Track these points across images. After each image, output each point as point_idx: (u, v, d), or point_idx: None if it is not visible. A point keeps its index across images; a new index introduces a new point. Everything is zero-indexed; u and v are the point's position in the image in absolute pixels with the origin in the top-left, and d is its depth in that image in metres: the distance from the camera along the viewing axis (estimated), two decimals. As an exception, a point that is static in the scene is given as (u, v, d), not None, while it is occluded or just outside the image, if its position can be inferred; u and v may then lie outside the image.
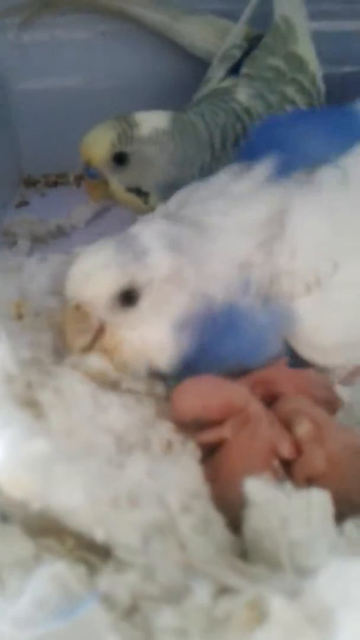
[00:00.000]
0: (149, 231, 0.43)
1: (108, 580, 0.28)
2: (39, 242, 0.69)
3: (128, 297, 0.42)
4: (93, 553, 0.30)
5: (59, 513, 0.29)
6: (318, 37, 0.65)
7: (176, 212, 0.48)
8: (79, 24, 0.75)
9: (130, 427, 0.38)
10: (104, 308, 0.42)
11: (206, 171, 0.57)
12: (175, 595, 0.28)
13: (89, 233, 0.72)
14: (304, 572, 0.29)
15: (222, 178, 0.51)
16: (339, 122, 0.52)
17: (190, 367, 0.43)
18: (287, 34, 0.63)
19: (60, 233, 0.71)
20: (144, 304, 0.42)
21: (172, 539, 0.31)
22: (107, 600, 0.27)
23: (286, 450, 0.38)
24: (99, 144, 0.56)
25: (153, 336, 0.42)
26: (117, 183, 0.58)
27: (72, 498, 0.28)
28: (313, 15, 0.66)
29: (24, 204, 0.78)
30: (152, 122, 0.56)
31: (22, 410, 0.32)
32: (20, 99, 0.79)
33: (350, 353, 0.48)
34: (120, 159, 0.56)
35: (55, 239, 0.70)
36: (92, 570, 0.30)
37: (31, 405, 0.34)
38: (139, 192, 0.58)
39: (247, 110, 0.60)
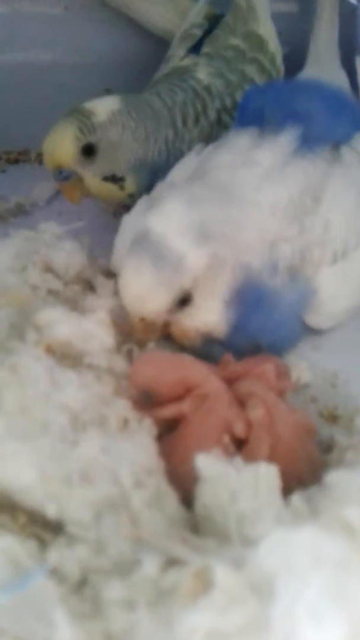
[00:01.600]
0: (172, 228, 0.43)
1: (58, 554, 0.28)
2: (-1, 220, 0.68)
3: (182, 301, 0.44)
4: (45, 529, 0.31)
5: (10, 490, 0.29)
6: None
7: (191, 181, 0.49)
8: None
9: (87, 405, 0.38)
10: (165, 315, 0.44)
11: (171, 149, 0.58)
12: (124, 568, 0.28)
13: (49, 211, 0.70)
14: (249, 543, 0.30)
15: (241, 142, 0.51)
16: (335, 98, 0.55)
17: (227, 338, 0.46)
18: (248, 13, 0.63)
19: (20, 211, 0.70)
20: (197, 298, 0.44)
21: (124, 514, 0.32)
22: (57, 574, 0.28)
23: (240, 430, 0.39)
24: (64, 143, 0.55)
25: (211, 318, 0.45)
26: (91, 176, 0.57)
27: (24, 475, 0.29)
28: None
29: (-17, 180, 0.77)
30: (106, 106, 0.56)
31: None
32: (-19, 73, 0.77)
33: (348, 315, 0.51)
34: (88, 151, 0.55)
35: (15, 217, 0.69)
36: (43, 545, 0.30)
37: (-16, 383, 0.35)
38: (114, 178, 0.57)
39: (207, 89, 0.60)
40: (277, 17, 0.65)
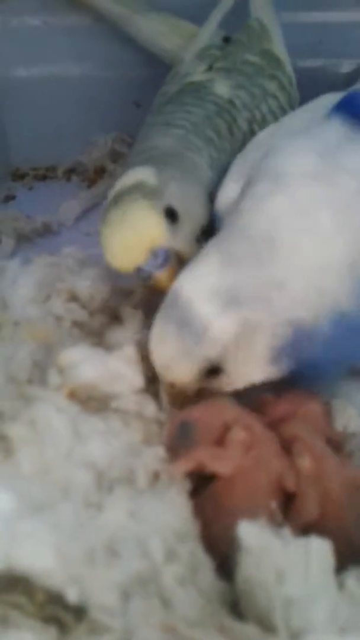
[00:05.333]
0: (200, 292, 0.39)
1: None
2: (24, 240, 0.66)
3: (212, 371, 0.40)
4: (66, 611, 0.27)
5: (27, 573, 0.25)
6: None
7: (232, 223, 0.43)
8: (70, 8, 0.71)
9: (113, 459, 0.34)
10: (197, 384, 0.40)
11: (218, 166, 0.52)
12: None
13: (77, 231, 0.68)
14: (298, 636, 0.26)
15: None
16: None
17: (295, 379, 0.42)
18: (262, 34, 0.60)
19: (46, 231, 0.67)
20: (230, 367, 0.40)
21: (154, 593, 0.28)
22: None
23: (292, 483, 0.35)
24: (145, 222, 0.44)
25: (249, 380, 0.41)
26: (186, 243, 0.46)
27: (40, 558, 0.25)
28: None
29: (10, 197, 0.75)
30: (146, 173, 0.47)
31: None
32: (8, 87, 0.75)
33: None
34: (171, 214, 0.46)
35: (41, 237, 0.67)
36: (63, 632, 0.26)
37: (1, 439, 0.31)
38: (204, 232, 0.48)
39: (230, 102, 0.56)
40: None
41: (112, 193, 0.47)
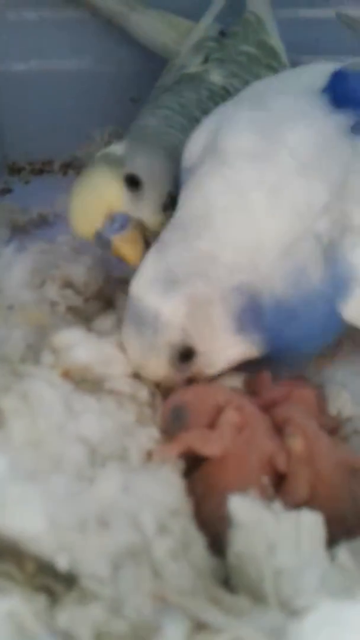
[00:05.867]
0: (143, 286, 0.39)
1: (69, 615, 0.25)
2: (20, 231, 0.65)
3: (186, 355, 0.40)
4: (56, 579, 0.27)
5: (17, 539, 0.25)
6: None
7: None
8: (67, 3, 0.72)
9: (106, 435, 0.35)
10: (177, 375, 0.40)
11: None
12: (143, 633, 0.24)
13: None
14: (290, 608, 0.26)
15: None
16: None
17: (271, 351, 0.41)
18: (258, 26, 0.61)
19: (42, 222, 0.67)
20: (200, 347, 0.40)
21: (145, 565, 0.28)
22: (67, 638, 0.24)
23: (282, 463, 0.35)
24: (104, 185, 0.45)
25: (231, 355, 0.41)
26: (151, 212, 0.47)
27: (31, 523, 0.25)
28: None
29: (6, 191, 0.75)
30: (116, 147, 0.48)
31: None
32: (5, 81, 0.75)
33: None
34: (133, 181, 0.46)
35: (37, 228, 0.67)
36: (53, 600, 0.26)
37: (-8, 411, 0.31)
38: (173, 201, 0.47)
39: (224, 88, 0.57)
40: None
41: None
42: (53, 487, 0.27)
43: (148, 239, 0.47)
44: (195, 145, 0.46)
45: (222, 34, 0.62)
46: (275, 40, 0.61)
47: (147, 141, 0.49)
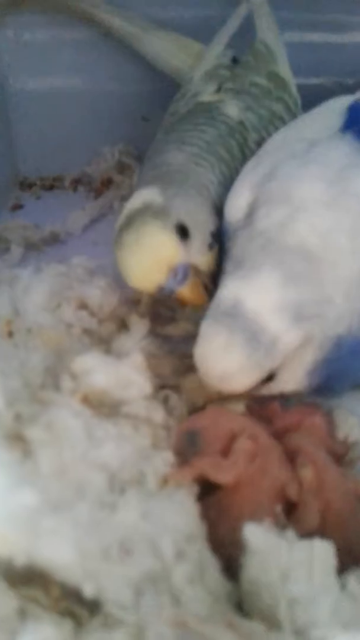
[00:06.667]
0: (268, 306, 0.39)
1: (96, 641, 0.26)
2: (33, 248, 0.67)
3: (268, 378, 0.41)
4: (81, 605, 0.28)
5: (47, 568, 0.27)
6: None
7: (278, 237, 0.43)
8: (80, 23, 0.73)
9: (125, 461, 0.36)
10: (251, 391, 0.41)
11: (227, 180, 0.54)
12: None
13: (84, 240, 0.69)
14: (305, 637, 0.27)
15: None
16: None
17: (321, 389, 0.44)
18: (267, 56, 0.62)
19: (54, 240, 0.68)
20: (281, 375, 0.41)
21: (165, 590, 0.29)
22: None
23: (294, 492, 0.36)
24: (158, 239, 0.45)
25: (291, 387, 0.42)
26: (202, 256, 0.47)
27: (61, 553, 0.26)
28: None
29: (18, 207, 0.76)
30: (150, 195, 0.48)
31: (9, 450, 0.30)
32: (18, 98, 0.77)
33: None
34: (182, 231, 0.46)
35: (49, 245, 0.68)
36: (79, 625, 0.28)
37: (19, 440, 0.32)
38: (214, 241, 0.49)
39: (241, 123, 0.58)
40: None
41: (122, 215, 0.49)
42: (78, 516, 0.29)
43: (202, 280, 0.48)
44: (240, 199, 0.48)
45: (235, 60, 0.63)
46: (284, 70, 0.62)
47: (180, 184, 0.49)
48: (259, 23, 0.63)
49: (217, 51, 0.64)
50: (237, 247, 0.45)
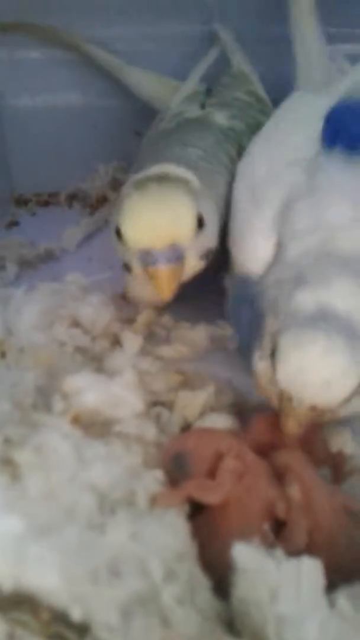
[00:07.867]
0: (352, 303, 0.38)
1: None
2: (28, 266, 0.67)
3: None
4: (69, 628, 0.29)
5: (33, 592, 0.27)
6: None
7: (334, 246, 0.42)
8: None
9: (115, 481, 0.36)
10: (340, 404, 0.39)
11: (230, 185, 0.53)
12: None
13: (78, 256, 0.70)
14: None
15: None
16: None
17: None
18: (244, 79, 0.65)
19: (49, 257, 0.69)
20: None
21: (154, 611, 0.30)
22: None
23: (282, 510, 0.36)
24: (184, 216, 0.43)
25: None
26: (194, 254, 0.45)
27: (47, 579, 0.27)
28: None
29: (14, 224, 0.77)
30: (189, 174, 0.47)
31: (-3, 475, 0.30)
32: (13, 116, 0.78)
33: None
34: (200, 224, 0.45)
35: (44, 263, 0.69)
36: (67, 649, 0.28)
37: (8, 464, 0.33)
38: (207, 256, 0.47)
39: (232, 129, 0.58)
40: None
41: (150, 171, 0.46)
42: (66, 540, 0.29)
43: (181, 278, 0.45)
44: (258, 251, 0.46)
45: (209, 91, 0.65)
46: (261, 91, 0.64)
47: (202, 180, 0.48)
48: (233, 57, 0.66)
49: (194, 82, 0.66)
50: (274, 287, 0.43)
